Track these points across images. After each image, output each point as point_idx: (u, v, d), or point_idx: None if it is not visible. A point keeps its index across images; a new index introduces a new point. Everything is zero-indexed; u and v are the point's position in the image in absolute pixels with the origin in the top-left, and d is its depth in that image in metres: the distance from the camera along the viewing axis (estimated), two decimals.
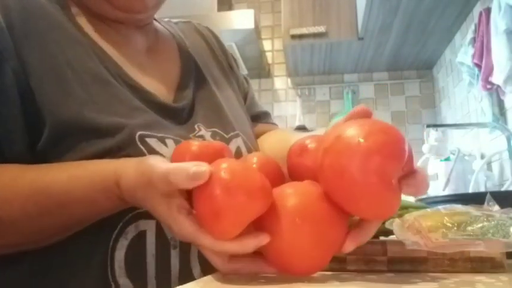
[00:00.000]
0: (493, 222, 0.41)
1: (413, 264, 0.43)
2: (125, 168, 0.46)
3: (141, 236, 0.52)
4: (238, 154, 0.63)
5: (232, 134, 0.65)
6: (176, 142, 0.55)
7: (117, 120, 0.53)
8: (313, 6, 2.28)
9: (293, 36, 2.24)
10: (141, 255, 0.52)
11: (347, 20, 2.23)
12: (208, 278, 0.41)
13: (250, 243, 0.38)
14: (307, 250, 0.37)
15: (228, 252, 0.39)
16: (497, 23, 1.48)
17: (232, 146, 0.64)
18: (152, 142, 0.54)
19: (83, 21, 0.60)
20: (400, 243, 0.44)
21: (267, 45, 2.76)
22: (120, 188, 0.46)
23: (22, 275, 0.51)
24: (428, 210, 0.47)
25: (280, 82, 2.74)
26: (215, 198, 0.36)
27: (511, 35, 1.43)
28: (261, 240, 0.37)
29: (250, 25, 2.21)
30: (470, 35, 1.83)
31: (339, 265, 0.44)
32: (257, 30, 2.29)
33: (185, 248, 0.54)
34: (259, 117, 0.82)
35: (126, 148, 0.52)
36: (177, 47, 0.73)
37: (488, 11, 1.61)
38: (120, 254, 0.51)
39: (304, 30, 2.23)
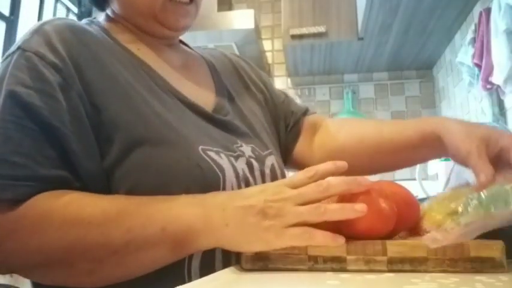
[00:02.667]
0: (483, 196, 0.43)
1: (413, 264, 0.43)
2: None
3: None
4: (273, 172, 0.67)
5: (266, 152, 0.70)
6: (226, 156, 0.60)
7: (181, 133, 0.57)
8: (313, 6, 2.28)
9: (293, 36, 2.24)
10: (212, 261, 0.55)
11: (347, 20, 2.23)
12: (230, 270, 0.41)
13: None
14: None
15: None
16: (497, 23, 1.48)
17: (268, 163, 0.68)
18: (212, 154, 0.58)
19: (125, 42, 0.65)
20: (400, 243, 0.44)
21: (267, 45, 2.76)
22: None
23: None
24: (425, 203, 0.48)
25: (280, 82, 2.74)
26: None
27: (511, 35, 1.43)
28: None
29: (250, 25, 2.21)
30: (470, 35, 1.83)
31: (339, 265, 0.44)
32: (257, 30, 2.30)
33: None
34: (307, 111, 0.87)
35: (195, 159, 0.55)
36: (208, 67, 0.78)
37: (488, 11, 1.61)
38: (196, 262, 0.54)
39: (304, 30, 2.23)
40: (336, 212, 0.44)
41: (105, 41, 0.62)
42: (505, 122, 1.68)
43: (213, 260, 0.55)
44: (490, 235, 0.44)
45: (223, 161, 0.58)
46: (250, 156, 0.64)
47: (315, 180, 0.47)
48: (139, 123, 0.55)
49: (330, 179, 0.46)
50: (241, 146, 0.65)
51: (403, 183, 0.55)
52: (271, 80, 2.75)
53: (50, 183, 0.50)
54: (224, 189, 0.56)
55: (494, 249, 0.43)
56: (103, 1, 0.70)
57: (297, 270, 0.44)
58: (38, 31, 0.56)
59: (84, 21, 0.67)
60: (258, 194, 0.47)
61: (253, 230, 0.45)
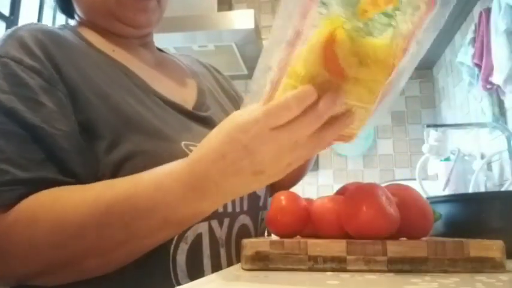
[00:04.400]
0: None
1: (413, 264, 0.43)
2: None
3: (199, 238, 0.56)
4: None
5: None
6: None
7: (162, 130, 0.57)
8: None
9: None
10: (199, 256, 0.56)
11: None
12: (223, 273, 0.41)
13: None
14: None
15: None
16: (497, 23, 1.48)
17: None
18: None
19: (99, 44, 0.64)
20: (400, 243, 0.44)
21: None
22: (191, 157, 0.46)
23: None
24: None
25: None
26: None
27: (511, 35, 1.43)
28: None
29: (250, 25, 2.21)
30: (470, 35, 1.83)
31: (339, 265, 0.44)
32: (257, 30, 2.29)
33: (229, 245, 0.60)
34: None
35: (178, 154, 0.53)
36: (185, 67, 0.79)
37: (488, 11, 1.61)
38: (181, 258, 0.54)
39: None
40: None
41: (80, 44, 0.62)
42: (505, 122, 1.68)
43: (200, 255, 0.55)
44: (490, 235, 0.44)
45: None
46: None
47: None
48: (119, 122, 0.55)
49: (318, 104, 0.39)
50: None
51: (403, 183, 0.55)
52: None
53: (35, 185, 0.49)
54: None
55: (494, 249, 0.43)
56: (68, 8, 0.70)
57: (297, 270, 0.44)
58: (11, 36, 0.56)
59: (58, 26, 0.68)
60: (243, 155, 0.42)
61: (250, 185, 0.45)
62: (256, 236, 0.67)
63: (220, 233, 0.59)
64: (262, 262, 0.44)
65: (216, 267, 0.57)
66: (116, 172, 0.53)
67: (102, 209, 0.47)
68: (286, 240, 0.45)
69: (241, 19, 2.23)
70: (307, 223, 0.54)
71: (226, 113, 0.72)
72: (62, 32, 0.62)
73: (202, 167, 0.44)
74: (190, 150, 0.56)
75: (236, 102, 0.84)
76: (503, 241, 0.43)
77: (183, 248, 0.54)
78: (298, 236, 0.56)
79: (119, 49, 0.67)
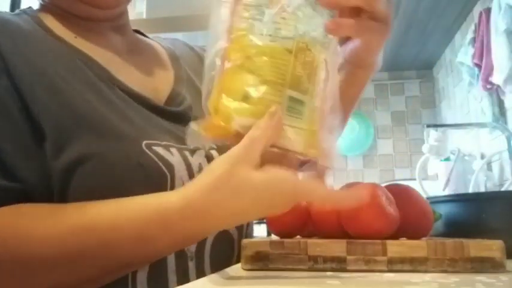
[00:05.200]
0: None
1: (413, 264, 0.43)
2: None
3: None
4: None
5: None
6: (179, 150, 0.54)
7: (120, 128, 0.51)
8: None
9: None
10: (163, 273, 0.50)
11: None
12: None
13: None
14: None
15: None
16: (497, 23, 1.48)
17: None
18: (159, 150, 0.52)
19: (59, 30, 0.58)
20: (400, 243, 0.44)
21: None
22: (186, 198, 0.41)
23: None
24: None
25: None
26: None
27: (511, 35, 1.43)
28: None
29: None
30: (470, 35, 1.83)
31: (339, 265, 0.44)
32: None
33: (200, 258, 0.53)
34: None
35: (136, 157, 0.49)
36: (168, 55, 0.71)
37: (488, 11, 1.61)
38: (142, 275, 0.48)
39: None
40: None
41: (35, 32, 0.56)
42: (505, 122, 1.68)
43: (164, 271, 0.50)
44: (490, 235, 0.44)
45: (174, 156, 0.52)
46: (211, 148, 0.58)
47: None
48: (70, 120, 0.49)
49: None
50: None
51: (403, 183, 0.55)
52: None
53: None
54: (173, 189, 0.50)
55: (494, 249, 0.43)
56: None
57: (297, 270, 0.44)
58: None
59: (16, 12, 0.61)
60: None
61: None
62: (239, 242, 0.58)
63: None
64: (262, 262, 0.44)
65: (184, 283, 0.47)
66: (66, 179, 0.46)
67: (75, 243, 0.41)
68: (286, 240, 0.45)
69: None
70: (307, 223, 0.54)
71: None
72: (16, 19, 0.56)
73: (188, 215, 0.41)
74: (152, 151, 0.50)
75: None
76: (503, 241, 0.43)
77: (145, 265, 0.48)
78: (298, 236, 0.56)
79: (83, 35, 0.59)
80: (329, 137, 0.43)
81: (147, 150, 0.50)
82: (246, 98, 0.41)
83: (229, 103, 0.41)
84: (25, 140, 0.47)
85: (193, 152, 0.56)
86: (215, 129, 0.42)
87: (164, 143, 0.53)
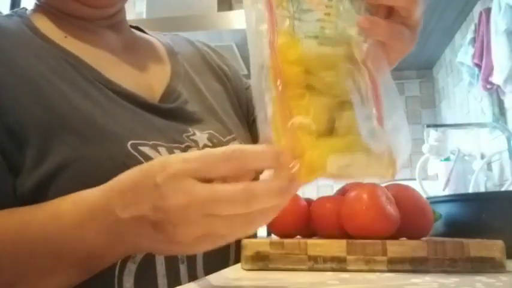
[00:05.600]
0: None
1: (413, 264, 0.43)
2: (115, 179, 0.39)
3: (150, 255, 0.47)
4: None
5: (229, 137, 0.62)
6: (168, 150, 0.52)
7: (105, 129, 0.49)
8: None
9: None
10: (152, 277, 0.47)
11: None
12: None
13: None
14: None
15: None
16: (497, 23, 1.48)
17: None
18: (146, 150, 0.50)
19: (49, 31, 0.57)
20: (400, 243, 0.44)
21: None
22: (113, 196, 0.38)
23: None
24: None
25: None
26: None
27: (511, 35, 1.43)
28: None
29: None
30: (470, 35, 1.83)
31: (339, 265, 0.44)
32: None
33: (192, 261, 0.51)
34: None
35: (120, 157, 0.47)
36: (165, 50, 0.70)
37: (488, 11, 1.61)
38: (129, 281, 0.46)
39: None
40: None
41: (22, 34, 0.55)
42: (505, 122, 1.68)
43: (153, 274, 0.47)
44: (490, 235, 0.44)
45: (161, 156, 0.50)
46: (205, 145, 0.57)
47: (236, 170, 0.33)
48: (54, 122, 0.47)
49: (258, 185, 0.32)
50: (193, 134, 0.57)
51: (403, 183, 0.55)
52: None
53: None
54: None
55: (494, 249, 0.43)
56: None
57: (297, 270, 0.44)
58: None
59: (7, 13, 0.61)
60: (150, 192, 0.34)
61: (155, 244, 0.37)
62: (237, 244, 0.56)
63: None
64: (262, 262, 0.44)
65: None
66: (48, 185, 0.45)
67: None
68: (286, 240, 0.45)
69: (241, 19, 2.22)
70: (307, 223, 0.54)
71: (202, 97, 0.65)
72: (6, 21, 0.56)
73: (108, 194, 0.37)
74: (138, 151, 0.49)
75: (226, 79, 0.74)
76: (503, 241, 0.43)
77: (131, 268, 0.46)
78: (298, 236, 0.56)
79: (75, 34, 0.58)
80: (398, 141, 0.35)
81: (132, 151, 0.49)
82: (330, 131, 0.32)
83: (310, 141, 0.32)
84: None
85: (184, 150, 0.54)
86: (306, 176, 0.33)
87: (152, 142, 0.51)
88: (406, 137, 0.36)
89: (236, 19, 2.23)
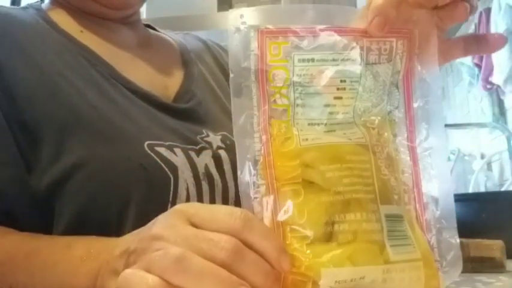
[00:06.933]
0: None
1: None
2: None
3: None
4: None
5: None
6: (184, 151, 0.51)
7: (122, 128, 0.49)
8: None
9: None
10: None
11: None
12: None
13: None
14: None
15: None
16: (497, 23, 1.49)
17: None
18: (162, 150, 0.49)
19: (65, 25, 0.57)
20: None
21: None
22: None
23: None
24: None
25: None
26: None
27: (511, 35, 1.43)
28: None
29: None
30: None
31: None
32: None
33: None
34: None
35: (137, 158, 0.47)
36: (179, 50, 0.69)
37: (488, 11, 1.61)
38: None
39: None
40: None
41: (39, 28, 0.54)
42: (505, 122, 1.68)
43: None
44: (490, 235, 0.44)
45: (178, 157, 0.50)
46: (219, 147, 0.55)
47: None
48: (70, 119, 0.47)
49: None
50: (207, 135, 0.56)
51: None
52: None
53: None
54: (176, 192, 0.47)
55: (494, 249, 0.43)
56: None
57: None
58: None
59: (23, 6, 0.60)
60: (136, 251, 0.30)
61: None
62: None
63: None
64: None
65: None
66: (64, 183, 0.44)
67: None
68: None
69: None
70: None
71: (216, 97, 0.64)
72: (22, 13, 0.55)
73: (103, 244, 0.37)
74: (155, 152, 0.48)
75: None
76: (503, 241, 0.43)
77: None
78: None
79: (92, 29, 0.58)
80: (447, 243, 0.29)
81: (149, 151, 0.48)
82: (328, 236, 0.26)
83: (305, 250, 0.26)
84: (11, 150, 0.45)
85: (199, 151, 0.53)
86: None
87: (168, 143, 0.51)
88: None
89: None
